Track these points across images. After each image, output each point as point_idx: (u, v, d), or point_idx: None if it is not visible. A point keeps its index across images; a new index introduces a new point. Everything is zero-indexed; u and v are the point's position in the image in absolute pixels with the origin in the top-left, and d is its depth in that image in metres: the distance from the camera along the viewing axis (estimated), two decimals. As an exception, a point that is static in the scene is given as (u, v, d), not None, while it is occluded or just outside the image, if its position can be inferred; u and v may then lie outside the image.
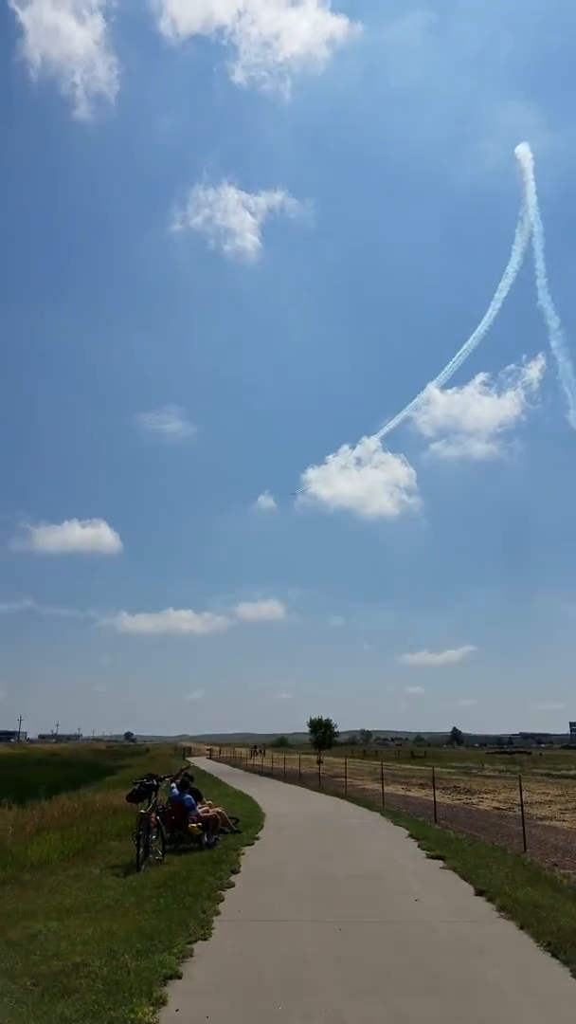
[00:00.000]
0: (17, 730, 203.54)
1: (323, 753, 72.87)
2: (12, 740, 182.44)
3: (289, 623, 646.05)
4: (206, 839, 11.50)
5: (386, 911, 7.26)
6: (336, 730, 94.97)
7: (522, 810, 12.99)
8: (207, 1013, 4.54)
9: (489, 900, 7.55)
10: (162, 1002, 4.69)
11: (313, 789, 25.81)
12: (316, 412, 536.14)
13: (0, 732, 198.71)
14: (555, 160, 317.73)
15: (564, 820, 16.98)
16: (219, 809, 13.23)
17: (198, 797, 12.88)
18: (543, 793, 25.58)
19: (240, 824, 13.76)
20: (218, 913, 7.07)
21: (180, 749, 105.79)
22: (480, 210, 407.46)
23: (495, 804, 20.86)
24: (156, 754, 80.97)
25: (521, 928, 6.45)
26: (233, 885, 8.46)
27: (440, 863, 9.80)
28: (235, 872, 9.27)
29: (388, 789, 22.55)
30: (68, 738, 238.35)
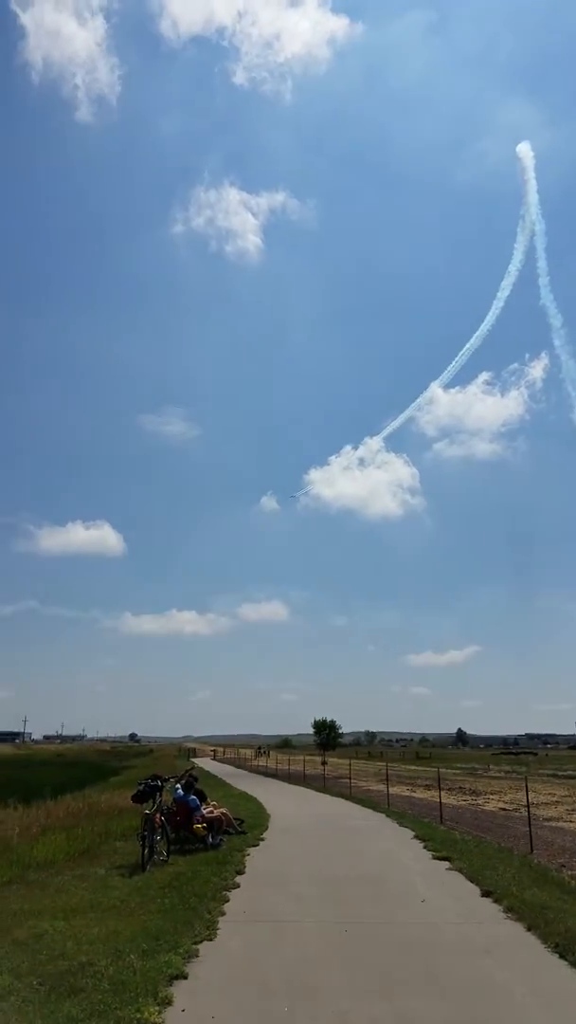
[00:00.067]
0: (22, 731, 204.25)
1: (327, 754, 72.81)
2: (17, 741, 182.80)
3: (292, 624, 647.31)
4: (211, 840, 11.49)
5: (392, 912, 7.23)
6: (340, 731, 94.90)
7: (528, 811, 12.95)
8: (213, 1013, 4.53)
9: (496, 901, 7.51)
10: (168, 1002, 4.68)
11: (318, 790, 25.78)
12: (318, 412, 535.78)
13: (5, 733, 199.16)
14: (556, 158, 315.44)
15: (571, 821, 16.91)
16: (224, 810, 13.22)
17: (203, 798, 12.87)
18: (549, 794, 25.50)
19: (245, 825, 13.74)
20: (223, 914, 7.06)
21: (184, 750, 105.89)
22: (481, 209, 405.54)
23: (501, 805, 20.80)
24: (160, 755, 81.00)
25: (528, 929, 6.41)
26: (238, 886, 8.45)
27: (446, 864, 9.77)
28: (240, 873, 9.26)
29: (393, 790, 22.50)
30: (72, 739, 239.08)
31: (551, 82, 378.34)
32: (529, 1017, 4.51)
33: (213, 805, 13.16)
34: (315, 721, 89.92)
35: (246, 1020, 4.48)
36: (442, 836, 12.75)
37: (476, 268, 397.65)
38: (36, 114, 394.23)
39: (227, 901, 7.60)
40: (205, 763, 55.23)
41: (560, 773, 43.67)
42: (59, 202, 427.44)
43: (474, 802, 21.99)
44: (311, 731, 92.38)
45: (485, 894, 7.86)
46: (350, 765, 34.64)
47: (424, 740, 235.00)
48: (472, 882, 8.53)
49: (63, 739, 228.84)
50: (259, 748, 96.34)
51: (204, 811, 12.19)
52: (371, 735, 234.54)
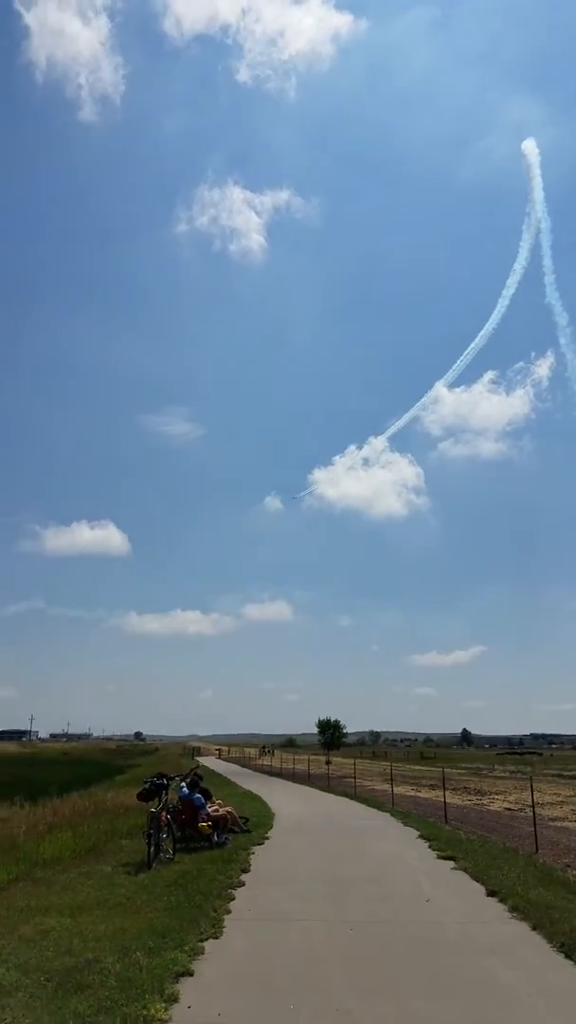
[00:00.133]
0: (28, 729, 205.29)
1: (332, 754, 72.66)
2: (23, 739, 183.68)
3: (297, 624, 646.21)
4: (216, 838, 11.53)
5: (397, 911, 7.23)
6: (344, 731, 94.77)
7: (533, 811, 12.92)
8: (219, 1010, 4.56)
9: (501, 901, 7.51)
10: (174, 999, 4.71)
11: (322, 789, 25.78)
12: (323, 412, 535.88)
13: (11, 731, 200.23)
14: (561, 155, 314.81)
15: (576, 821, 16.86)
16: (229, 808, 13.26)
17: (208, 796, 12.92)
18: (554, 794, 25.42)
19: (250, 824, 13.76)
20: (229, 912, 7.09)
21: (189, 749, 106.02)
22: (485, 206, 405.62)
23: (506, 805, 20.75)
24: (165, 753, 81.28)
25: (534, 929, 6.41)
26: (244, 884, 8.48)
27: (451, 864, 9.76)
28: (245, 871, 9.29)
29: (398, 790, 22.48)
30: (78, 737, 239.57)
31: (555, 79, 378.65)
32: (535, 1017, 4.51)
33: (218, 803, 13.20)
34: (319, 721, 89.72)
35: (252, 1017, 4.50)
36: (447, 836, 12.73)
37: (480, 266, 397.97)
38: (40, 114, 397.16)
39: (233, 899, 7.63)
40: (210, 762, 55.31)
41: (565, 773, 43.53)
42: (62, 202, 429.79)
43: (479, 802, 21.94)
44: (315, 731, 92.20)
45: (490, 894, 7.86)
46: (355, 765, 34.61)
47: (428, 740, 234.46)
48: (477, 882, 8.53)
49: (69, 737, 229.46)
50: (263, 747, 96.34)
51: (209, 809, 12.24)
52: (375, 735, 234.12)
